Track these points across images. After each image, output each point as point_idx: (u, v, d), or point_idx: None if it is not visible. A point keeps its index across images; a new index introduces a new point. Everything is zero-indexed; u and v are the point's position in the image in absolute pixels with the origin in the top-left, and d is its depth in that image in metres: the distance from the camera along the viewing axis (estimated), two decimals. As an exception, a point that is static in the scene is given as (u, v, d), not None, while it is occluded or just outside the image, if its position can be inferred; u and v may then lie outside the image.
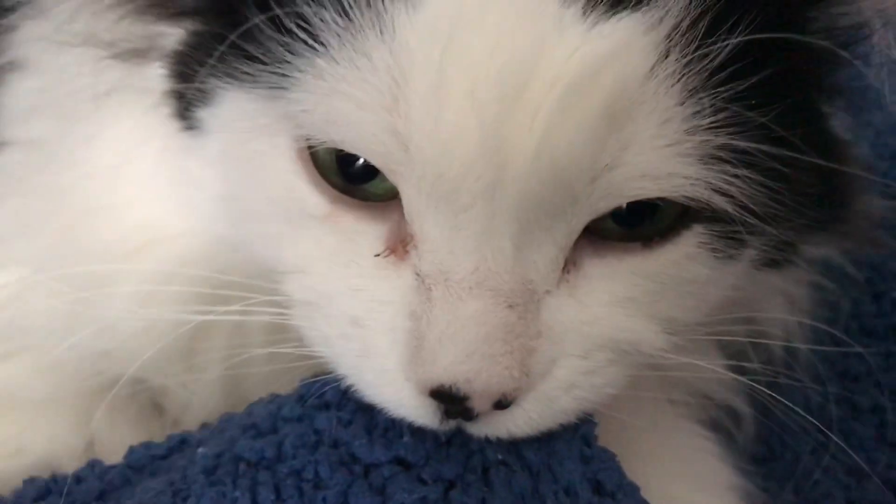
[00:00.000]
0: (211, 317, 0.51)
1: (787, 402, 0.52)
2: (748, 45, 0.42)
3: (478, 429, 0.46)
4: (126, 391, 0.55)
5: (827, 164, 0.45)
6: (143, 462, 0.51)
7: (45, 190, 0.56)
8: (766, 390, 0.53)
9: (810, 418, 0.52)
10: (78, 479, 0.50)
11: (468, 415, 0.45)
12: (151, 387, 0.57)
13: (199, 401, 0.56)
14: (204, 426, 0.53)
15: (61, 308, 0.54)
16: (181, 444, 0.51)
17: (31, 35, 0.58)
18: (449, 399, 0.44)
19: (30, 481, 0.52)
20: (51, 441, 0.56)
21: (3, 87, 0.59)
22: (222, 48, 0.46)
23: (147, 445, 0.52)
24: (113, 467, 0.51)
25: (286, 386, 0.52)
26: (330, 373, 0.49)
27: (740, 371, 0.55)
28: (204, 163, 0.51)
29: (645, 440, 0.53)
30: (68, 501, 0.49)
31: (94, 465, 0.52)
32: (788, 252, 0.52)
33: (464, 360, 0.42)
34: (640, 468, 0.48)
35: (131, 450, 0.52)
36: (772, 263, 0.51)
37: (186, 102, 0.50)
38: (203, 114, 0.50)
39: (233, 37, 0.45)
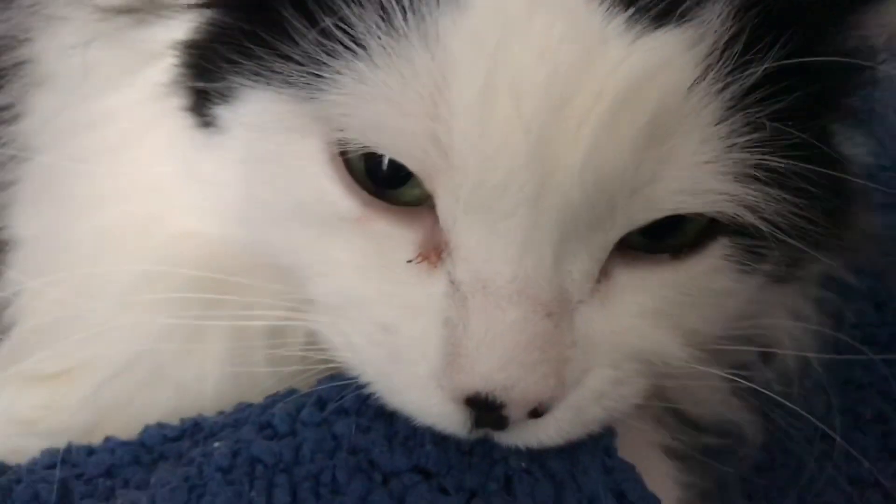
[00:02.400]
0: (212, 321, 0.50)
1: (791, 406, 0.53)
2: (782, 67, 0.43)
3: (507, 438, 0.46)
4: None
5: (852, 179, 0.46)
6: (155, 441, 0.50)
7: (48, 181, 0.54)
8: (772, 395, 0.54)
9: (818, 422, 0.53)
10: (90, 451, 0.50)
11: (501, 423, 0.45)
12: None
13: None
14: (219, 413, 0.52)
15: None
16: (195, 427, 0.50)
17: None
18: (485, 407, 0.43)
19: (46, 450, 0.51)
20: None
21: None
22: (249, 43, 0.45)
23: (161, 425, 0.51)
24: (126, 444, 0.50)
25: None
26: (350, 377, 0.48)
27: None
28: (220, 163, 0.50)
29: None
30: (76, 473, 0.48)
31: (109, 438, 0.51)
32: (795, 268, 0.53)
33: (502, 367, 0.42)
34: None
35: (146, 428, 0.51)
36: (780, 279, 0.53)
37: (204, 98, 0.49)
38: (223, 112, 0.48)
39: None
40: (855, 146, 0.53)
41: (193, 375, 0.53)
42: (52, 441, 0.51)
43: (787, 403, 0.53)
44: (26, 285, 0.53)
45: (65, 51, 0.53)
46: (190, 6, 0.49)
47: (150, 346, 0.52)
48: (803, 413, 0.54)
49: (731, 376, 0.52)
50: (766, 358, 0.57)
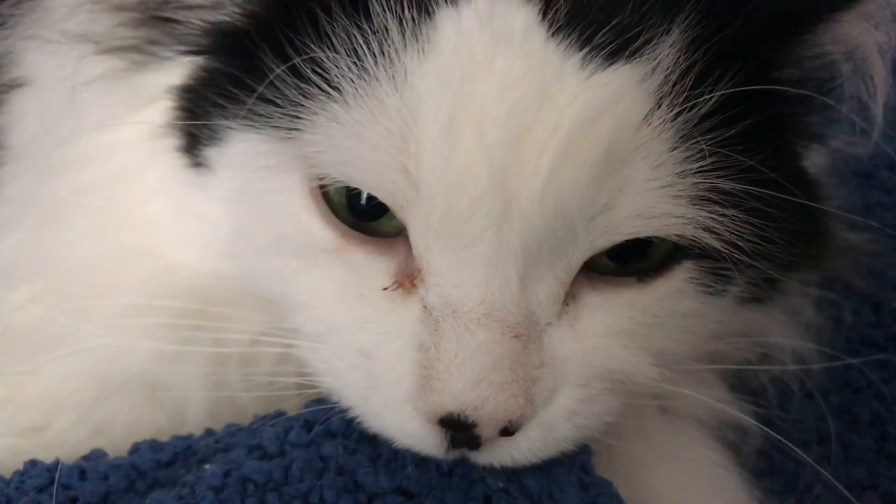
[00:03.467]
0: (214, 348, 0.53)
1: (789, 407, 0.54)
2: (734, 94, 0.46)
3: (482, 457, 0.48)
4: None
5: (807, 202, 0.48)
6: (147, 466, 0.51)
7: (42, 201, 0.57)
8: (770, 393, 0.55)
9: (815, 425, 0.54)
10: (82, 472, 0.51)
11: (474, 443, 0.46)
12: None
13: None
14: (209, 432, 0.54)
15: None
16: (187, 451, 0.52)
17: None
18: (457, 426, 0.45)
19: (31, 465, 0.52)
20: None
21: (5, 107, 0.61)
22: (233, 88, 0.49)
23: (153, 447, 0.53)
24: (117, 466, 0.51)
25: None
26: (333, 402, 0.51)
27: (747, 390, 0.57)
28: (210, 200, 0.53)
29: (653, 458, 0.54)
30: (70, 497, 0.50)
31: (97, 459, 0.52)
32: (770, 289, 0.55)
33: (472, 387, 0.44)
34: (650, 485, 0.50)
35: (136, 447, 0.53)
36: (755, 300, 0.54)
37: (194, 140, 0.52)
38: (212, 153, 0.52)
39: (260, 89, 0.47)
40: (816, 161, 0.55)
41: (176, 396, 0.55)
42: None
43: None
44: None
45: (58, 79, 0.56)
46: (181, 52, 0.52)
47: (136, 367, 0.54)
48: (798, 420, 0.55)
49: (698, 395, 0.54)
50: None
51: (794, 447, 0.53)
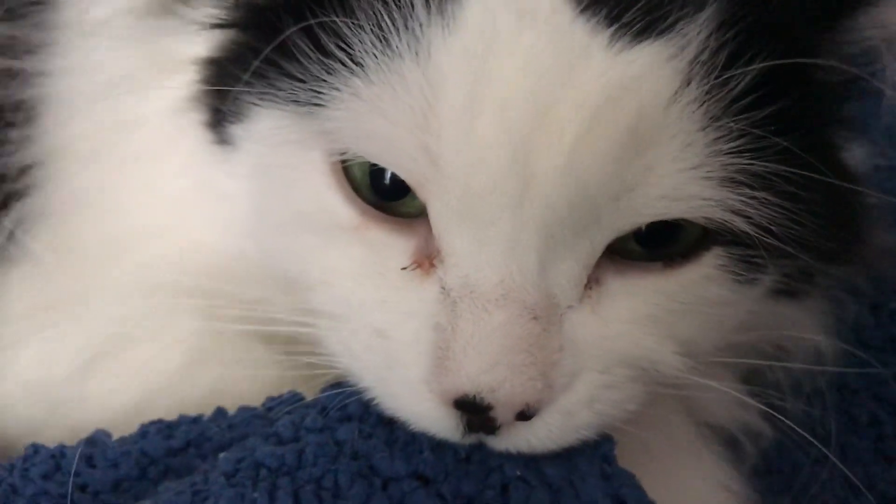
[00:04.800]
0: (236, 326, 0.52)
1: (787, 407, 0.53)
2: (768, 75, 0.44)
3: (498, 442, 0.47)
4: None
5: (841, 183, 0.47)
6: (159, 453, 0.51)
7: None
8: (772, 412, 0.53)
9: (813, 426, 0.53)
10: (89, 459, 0.50)
11: (490, 427, 0.45)
12: None
13: None
14: (220, 412, 0.53)
15: None
16: (200, 437, 0.51)
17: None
18: (472, 409, 0.44)
19: (34, 451, 0.51)
20: None
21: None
22: (257, 62, 0.48)
23: (163, 432, 0.52)
24: (127, 453, 0.51)
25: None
26: (351, 384, 0.50)
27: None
28: (233, 178, 0.53)
29: (656, 455, 0.53)
30: (79, 483, 0.49)
31: (103, 445, 0.51)
32: (806, 282, 0.53)
33: (488, 369, 0.43)
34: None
35: (145, 431, 0.52)
36: (789, 293, 0.53)
37: (220, 116, 0.52)
38: (236, 130, 0.51)
39: (268, 49, 0.47)
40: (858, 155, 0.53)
41: (189, 375, 0.55)
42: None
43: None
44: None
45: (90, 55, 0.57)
46: (210, 26, 0.52)
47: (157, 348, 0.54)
48: (797, 421, 0.54)
49: (732, 389, 0.52)
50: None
51: (812, 439, 0.52)
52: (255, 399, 0.53)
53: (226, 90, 0.51)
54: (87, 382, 0.55)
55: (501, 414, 0.44)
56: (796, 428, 0.52)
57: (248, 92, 0.50)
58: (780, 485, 0.55)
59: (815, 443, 0.52)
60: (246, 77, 0.49)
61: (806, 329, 0.57)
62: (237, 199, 0.53)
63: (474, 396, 0.44)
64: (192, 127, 0.54)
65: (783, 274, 0.51)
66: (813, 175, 0.45)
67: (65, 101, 0.59)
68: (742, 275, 0.48)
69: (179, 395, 0.54)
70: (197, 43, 0.53)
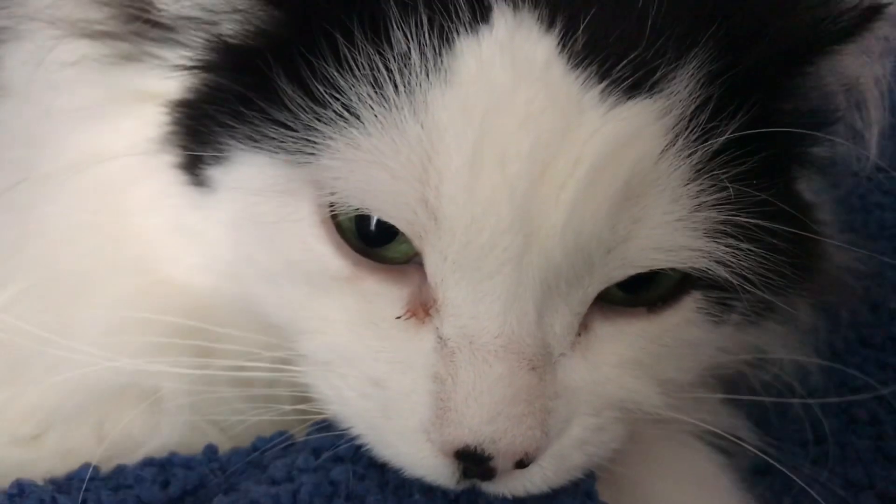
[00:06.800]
0: (208, 371, 0.51)
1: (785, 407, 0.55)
2: (746, 130, 0.46)
3: (494, 487, 0.48)
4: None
5: (818, 236, 0.49)
6: (156, 500, 0.50)
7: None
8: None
9: (812, 425, 0.55)
10: None
11: (489, 474, 0.46)
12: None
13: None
14: (210, 449, 0.53)
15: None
16: (196, 488, 0.51)
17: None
18: (473, 459, 0.45)
19: (18, 492, 0.49)
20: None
21: None
22: (242, 108, 0.47)
23: (160, 478, 0.51)
24: (122, 501, 0.49)
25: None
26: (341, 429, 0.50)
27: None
28: (211, 221, 0.51)
29: (650, 472, 0.55)
30: None
31: (96, 490, 0.50)
32: (765, 310, 0.55)
33: (490, 421, 0.44)
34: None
35: (139, 476, 0.51)
36: (751, 323, 0.55)
37: (196, 158, 0.51)
38: (215, 173, 0.50)
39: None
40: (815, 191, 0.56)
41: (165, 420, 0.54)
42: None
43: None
44: None
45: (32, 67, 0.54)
46: (183, 68, 0.50)
47: (125, 381, 0.52)
48: (796, 420, 0.56)
49: (694, 420, 0.54)
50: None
51: (789, 451, 0.54)
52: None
53: (202, 132, 0.50)
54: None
55: (501, 463, 0.45)
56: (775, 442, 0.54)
57: (231, 136, 0.48)
58: (780, 484, 0.56)
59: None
60: (227, 121, 0.48)
61: (777, 346, 0.60)
62: (216, 244, 0.52)
63: (476, 448, 0.45)
64: (161, 168, 0.52)
65: (745, 309, 0.53)
66: (787, 228, 0.48)
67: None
68: (717, 316, 0.51)
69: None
70: (161, 78, 0.51)
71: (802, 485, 0.53)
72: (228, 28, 0.49)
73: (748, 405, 0.59)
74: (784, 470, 0.54)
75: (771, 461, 0.54)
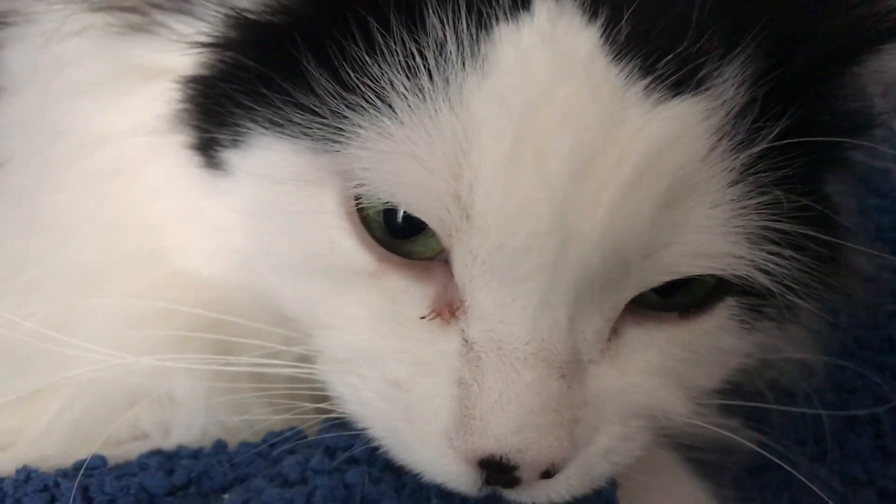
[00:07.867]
0: (215, 366, 0.49)
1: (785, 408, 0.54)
2: (789, 134, 0.44)
3: (517, 495, 0.46)
4: None
5: (857, 246, 0.48)
6: (160, 490, 0.48)
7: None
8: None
9: (811, 424, 0.54)
10: (85, 491, 0.47)
11: (512, 483, 0.45)
12: None
13: None
14: (219, 445, 0.51)
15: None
16: (202, 476, 0.49)
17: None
18: (497, 468, 0.43)
19: (25, 478, 0.48)
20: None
21: None
22: (264, 89, 0.44)
23: (164, 465, 0.49)
24: (126, 487, 0.48)
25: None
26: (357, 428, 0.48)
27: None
28: (227, 207, 0.49)
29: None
30: None
31: (100, 476, 0.48)
32: (793, 316, 0.54)
33: (517, 430, 0.42)
34: None
35: (143, 463, 0.49)
36: (779, 328, 0.53)
37: (211, 140, 0.48)
38: (232, 156, 0.48)
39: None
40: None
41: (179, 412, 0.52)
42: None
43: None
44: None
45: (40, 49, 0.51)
46: (201, 45, 0.48)
47: (137, 381, 0.50)
48: (795, 419, 0.55)
49: (705, 424, 0.53)
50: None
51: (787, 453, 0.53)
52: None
53: (218, 112, 0.47)
54: None
55: (527, 473, 0.44)
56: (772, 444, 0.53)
57: (250, 118, 0.46)
58: (779, 482, 0.55)
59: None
60: (247, 101, 0.46)
61: (791, 348, 0.58)
62: (230, 231, 0.49)
63: (501, 457, 0.43)
64: (171, 148, 0.49)
65: (776, 317, 0.51)
66: (829, 237, 0.46)
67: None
68: (750, 323, 0.49)
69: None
70: (172, 52, 0.48)
71: (803, 480, 0.52)
72: (249, 1, 0.46)
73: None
74: (785, 466, 0.53)
75: (770, 457, 0.53)
